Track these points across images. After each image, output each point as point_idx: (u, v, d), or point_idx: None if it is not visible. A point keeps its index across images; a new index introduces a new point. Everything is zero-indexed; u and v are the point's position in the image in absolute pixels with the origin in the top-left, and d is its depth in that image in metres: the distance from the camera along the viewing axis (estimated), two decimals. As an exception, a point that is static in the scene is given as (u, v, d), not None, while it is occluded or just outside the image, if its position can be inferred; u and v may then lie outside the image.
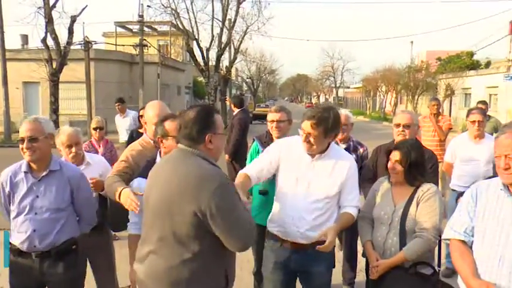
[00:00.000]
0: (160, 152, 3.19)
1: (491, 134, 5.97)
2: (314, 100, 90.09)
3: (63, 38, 18.79)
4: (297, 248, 2.97)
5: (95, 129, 6.26)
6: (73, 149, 3.58)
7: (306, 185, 2.92)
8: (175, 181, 2.30)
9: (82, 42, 19.86)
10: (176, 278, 2.31)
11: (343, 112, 4.85)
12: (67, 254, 3.10)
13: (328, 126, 2.83)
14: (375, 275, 2.99)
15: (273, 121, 4.07)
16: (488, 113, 7.33)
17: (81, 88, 21.15)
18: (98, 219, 3.65)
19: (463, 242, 2.45)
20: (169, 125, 3.06)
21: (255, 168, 3.04)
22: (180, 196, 2.26)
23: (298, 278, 3.15)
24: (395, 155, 3.09)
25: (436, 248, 3.22)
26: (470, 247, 2.43)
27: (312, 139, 2.84)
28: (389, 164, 3.11)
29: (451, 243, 2.51)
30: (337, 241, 4.94)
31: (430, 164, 3.65)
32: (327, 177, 2.92)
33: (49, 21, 18.12)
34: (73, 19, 18.71)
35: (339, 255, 5.13)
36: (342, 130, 4.51)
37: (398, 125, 3.88)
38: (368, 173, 3.99)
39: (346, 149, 4.53)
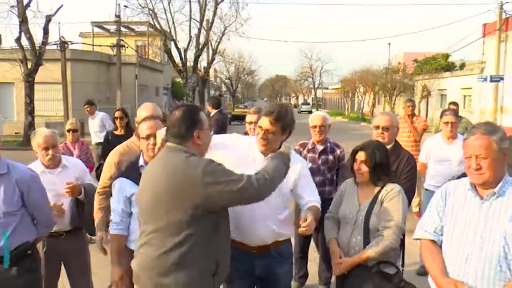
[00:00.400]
0: (143, 153, 3.24)
1: (463, 134, 6.09)
2: (293, 101, 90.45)
3: (38, 38, 18.51)
4: (261, 253, 2.92)
5: (68, 131, 6.17)
6: (50, 152, 3.52)
7: None
8: (164, 177, 2.41)
9: (58, 43, 19.57)
10: (166, 263, 2.39)
11: (321, 113, 4.89)
12: (21, 259, 2.98)
13: (286, 122, 2.83)
14: (337, 272, 3.03)
15: (251, 122, 4.09)
16: (460, 114, 7.48)
17: (58, 89, 20.84)
18: (74, 223, 3.63)
19: (433, 241, 2.50)
20: (141, 126, 3.18)
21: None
22: (172, 192, 2.36)
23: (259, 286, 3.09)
24: (361, 156, 3.10)
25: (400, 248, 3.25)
26: (440, 246, 2.48)
27: (270, 136, 2.80)
28: (355, 165, 3.13)
29: (421, 243, 2.56)
30: (312, 243, 5.00)
31: (409, 166, 3.70)
32: None
33: (23, 20, 17.79)
34: (48, 19, 18.42)
35: (316, 256, 5.17)
36: (320, 131, 4.56)
37: (377, 127, 3.82)
38: (347, 174, 3.83)
39: (324, 151, 4.59)
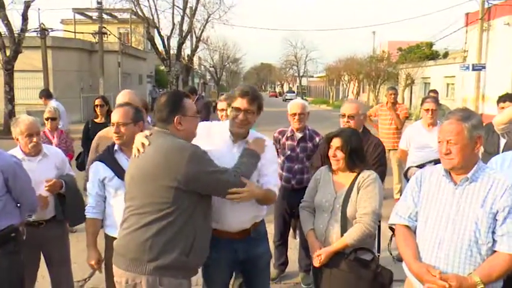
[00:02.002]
0: None
1: (443, 122, 6.16)
2: (278, 89, 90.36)
3: (16, 24, 18.10)
4: (242, 237, 2.95)
5: (47, 119, 6.08)
6: (34, 139, 3.49)
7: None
8: (150, 155, 2.53)
9: (38, 30, 19.19)
10: (142, 239, 2.47)
11: (300, 101, 4.88)
12: (6, 242, 3.04)
13: (260, 101, 2.92)
14: (317, 264, 2.98)
15: (222, 109, 4.10)
16: (443, 102, 7.55)
17: (39, 77, 20.47)
18: (55, 214, 3.60)
19: (408, 227, 2.52)
20: (113, 114, 3.22)
21: None
22: (155, 168, 2.48)
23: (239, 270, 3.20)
24: (336, 142, 3.08)
25: (376, 234, 3.29)
26: (415, 232, 2.50)
27: (249, 116, 2.84)
28: (330, 152, 3.11)
29: (396, 228, 2.58)
30: (291, 230, 5.02)
31: (377, 152, 3.69)
32: None
33: (0, 6, 17.38)
34: (27, 4, 18.00)
35: (295, 243, 5.20)
36: (299, 119, 4.56)
37: (343, 115, 3.82)
38: (317, 161, 3.88)
39: (303, 138, 4.59)
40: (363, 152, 3.18)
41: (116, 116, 3.17)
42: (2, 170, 2.99)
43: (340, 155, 3.07)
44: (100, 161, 3.21)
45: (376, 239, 3.32)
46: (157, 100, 2.69)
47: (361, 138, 3.21)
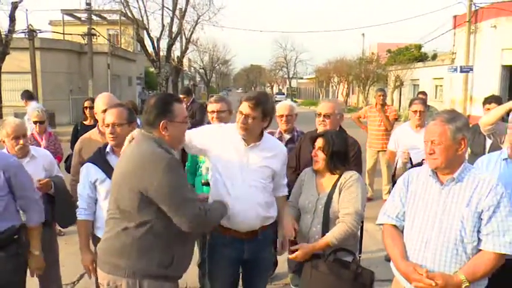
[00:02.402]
0: None
1: (430, 123, 6.22)
2: (268, 91, 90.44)
3: (4, 25, 17.94)
4: (249, 238, 3.00)
5: (35, 123, 6.03)
6: (21, 141, 3.46)
7: (246, 173, 2.94)
8: (126, 160, 2.48)
9: (26, 31, 19.02)
10: (118, 247, 2.46)
11: (287, 103, 4.91)
12: (8, 244, 3.03)
13: (266, 108, 2.89)
14: (292, 256, 2.98)
15: (213, 111, 4.09)
16: (432, 104, 7.62)
17: (27, 79, 20.27)
18: (46, 216, 3.55)
19: (395, 226, 2.56)
20: (106, 115, 3.20)
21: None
22: (128, 174, 2.41)
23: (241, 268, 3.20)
24: (319, 142, 3.09)
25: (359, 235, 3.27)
26: (402, 231, 2.54)
27: (250, 120, 2.85)
28: (313, 151, 3.12)
29: (384, 227, 2.62)
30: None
31: (353, 151, 3.63)
32: (263, 163, 2.99)
33: (-13, 7, 17.20)
34: (15, 5, 17.81)
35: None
36: (287, 120, 4.59)
37: (319, 115, 3.76)
38: (291, 161, 3.86)
39: (291, 139, 4.60)
40: (347, 155, 3.15)
41: (110, 116, 3.16)
42: (3, 169, 2.98)
43: (321, 155, 3.07)
44: (92, 162, 3.21)
45: (358, 241, 3.31)
46: (147, 101, 2.60)
47: (347, 142, 3.19)
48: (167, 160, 2.36)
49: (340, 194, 3.01)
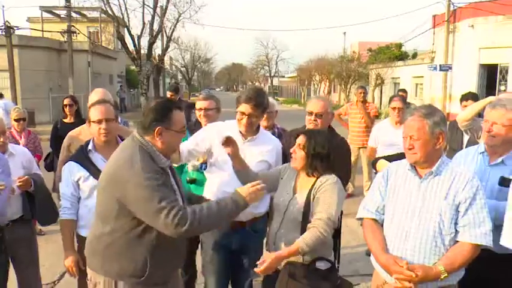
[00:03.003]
0: (93, 138, 3.25)
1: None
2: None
3: (-20, 22, 17.58)
4: (235, 228, 3.13)
5: (17, 120, 5.94)
6: (1, 138, 3.41)
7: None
8: (110, 163, 2.45)
9: (2, 27, 18.66)
10: (94, 248, 2.50)
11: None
12: None
13: (264, 106, 3.15)
14: (260, 270, 2.65)
15: (201, 109, 4.09)
16: (412, 101, 7.72)
17: (5, 77, 19.94)
18: (23, 214, 3.53)
19: (375, 220, 2.59)
20: (92, 111, 3.17)
21: (186, 147, 3.14)
22: (108, 179, 2.39)
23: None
24: (301, 139, 2.84)
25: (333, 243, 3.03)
26: (382, 225, 2.58)
27: (253, 119, 3.09)
28: (292, 148, 2.89)
29: (364, 222, 2.65)
30: None
31: (343, 150, 3.58)
32: (260, 157, 3.16)
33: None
34: (-9, 2, 17.51)
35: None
36: (268, 117, 4.60)
37: (310, 113, 3.58)
38: None
39: None
40: (329, 158, 2.82)
41: (101, 113, 3.14)
42: None
43: (299, 154, 2.82)
44: (74, 161, 3.17)
45: (338, 249, 3.18)
46: (146, 104, 2.54)
47: (331, 143, 2.92)
48: (137, 172, 2.27)
49: (314, 198, 2.75)
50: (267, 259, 2.62)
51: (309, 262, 2.73)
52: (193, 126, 4.24)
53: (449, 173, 2.43)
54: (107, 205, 2.40)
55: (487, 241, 2.33)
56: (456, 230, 2.38)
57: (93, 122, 3.16)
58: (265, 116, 4.54)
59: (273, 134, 4.61)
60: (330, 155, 2.82)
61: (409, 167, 2.51)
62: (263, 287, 3.05)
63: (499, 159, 2.79)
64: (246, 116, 3.06)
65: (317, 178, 2.80)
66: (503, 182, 2.69)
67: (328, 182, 2.75)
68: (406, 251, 2.41)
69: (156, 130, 2.37)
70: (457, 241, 2.38)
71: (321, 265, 2.76)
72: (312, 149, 2.78)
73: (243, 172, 2.97)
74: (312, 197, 2.76)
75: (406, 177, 2.53)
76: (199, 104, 4.13)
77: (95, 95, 3.86)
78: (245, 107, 3.06)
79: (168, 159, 2.53)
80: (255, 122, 3.12)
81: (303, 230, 2.71)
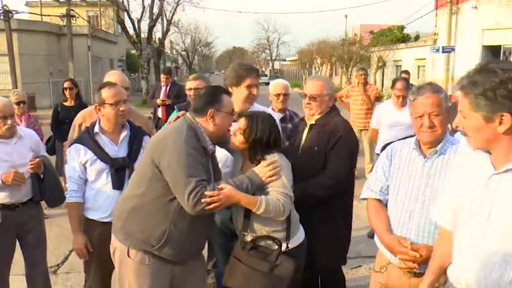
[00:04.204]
0: (99, 120, 3.20)
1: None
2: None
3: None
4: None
5: (18, 103, 5.91)
6: (9, 121, 3.34)
7: None
8: (158, 133, 2.68)
9: (1, 11, 18.51)
10: (120, 209, 2.63)
11: (283, 81, 4.87)
12: None
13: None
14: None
15: (191, 89, 4.08)
16: (411, 82, 7.67)
17: (5, 61, 19.86)
18: (33, 196, 3.51)
19: (379, 200, 2.56)
20: (106, 93, 3.10)
21: None
22: (152, 143, 2.57)
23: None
24: (241, 123, 2.70)
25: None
26: (386, 205, 2.55)
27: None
28: (232, 129, 2.72)
29: (368, 202, 2.63)
30: None
31: (341, 133, 3.12)
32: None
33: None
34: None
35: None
36: (283, 100, 4.54)
37: (305, 96, 3.23)
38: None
39: (283, 118, 4.53)
40: (269, 143, 2.67)
41: (119, 93, 3.14)
42: None
43: (239, 138, 2.69)
44: (80, 143, 3.14)
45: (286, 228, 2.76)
46: (199, 92, 2.81)
47: (275, 127, 2.75)
48: (180, 141, 2.41)
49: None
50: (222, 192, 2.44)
51: (252, 239, 2.65)
52: (184, 107, 4.22)
53: (453, 152, 2.39)
54: (145, 167, 2.52)
55: None
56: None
57: (108, 104, 3.10)
58: (281, 98, 4.53)
59: (285, 116, 4.55)
60: (269, 140, 2.67)
61: (414, 146, 2.47)
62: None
63: None
64: (255, 87, 3.22)
65: (259, 162, 2.65)
66: None
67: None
68: (411, 231, 2.38)
69: (209, 112, 2.53)
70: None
71: (270, 245, 2.65)
72: (252, 136, 2.65)
73: None
74: None
75: (410, 157, 2.48)
76: (190, 84, 4.13)
77: (111, 77, 3.71)
78: (254, 79, 3.20)
79: (214, 145, 2.65)
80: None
81: (247, 213, 2.63)
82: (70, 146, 3.24)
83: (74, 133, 3.63)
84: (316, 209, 3.04)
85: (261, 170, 2.57)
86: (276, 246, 2.62)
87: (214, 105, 2.56)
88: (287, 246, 2.66)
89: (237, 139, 2.69)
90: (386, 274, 2.51)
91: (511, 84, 1.58)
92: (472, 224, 1.76)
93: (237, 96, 3.10)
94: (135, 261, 2.55)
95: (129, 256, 2.56)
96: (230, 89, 3.13)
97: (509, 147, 1.66)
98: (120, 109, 3.11)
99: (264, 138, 2.65)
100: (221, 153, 2.94)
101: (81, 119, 3.67)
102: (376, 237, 2.60)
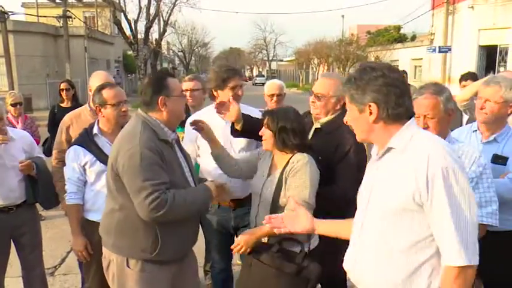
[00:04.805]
0: (98, 121, 3.19)
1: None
2: (247, 73, 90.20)
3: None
4: (236, 206, 3.22)
5: (14, 105, 5.88)
6: None
7: (228, 146, 3.12)
8: (116, 140, 2.51)
9: (-3, 13, 18.46)
10: (106, 225, 2.55)
11: (278, 82, 4.85)
12: None
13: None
14: (238, 252, 2.66)
15: (187, 90, 4.07)
16: (408, 82, 7.68)
17: (1, 63, 19.84)
18: (27, 198, 3.50)
19: None
20: (107, 93, 3.07)
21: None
22: (111, 152, 2.46)
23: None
24: (265, 118, 2.73)
25: None
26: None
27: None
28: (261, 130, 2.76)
29: None
30: None
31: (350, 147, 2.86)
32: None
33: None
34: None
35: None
36: (278, 100, 4.53)
37: (312, 93, 3.07)
38: None
39: None
40: (295, 131, 2.65)
41: (120, 94, 3.12)
42: None
43: (267, 133, 2.70)
44: (79, 145, 3.12)
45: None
46: (141, 83, 2.61)
47: (299, 118, 2.76)
48: (136, 144, 2.32)
49: (286, 181, 2.62)
50: (241, 242, 2.58)
51: (275, 242, 2.59)
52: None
53: (456, 152, 2.38)
54: (109, 177, 2.45)
55: (493, 221, 2.31)
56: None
57: (110, 104, 3.07)
58: (275, 98, 4.53)
59: None
60: (296, 129, 2.66)
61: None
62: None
63: (492, 137, 2.78)
64: (239, 87, 3.15)
65: (291, 156, 2.66)
66: (496, 159, 2.70)
67: (299, 163, 2.60)
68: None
69: (159, 101, 2.43)
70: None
71: (292, 247, 2.61)
72: (276, 125, 2.65)
73: (221, 157, 2.93)
74: (283, 179, 2.63)
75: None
76: (185, 85, 4.14)
77: (97, 78, 3.65)
78: (237, 80, 3.14)
79: (174, 132, 2.58)
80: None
81: (273, 213, 2.52)
82: (68, 147, 3.24)
83: (61, 136, 3.61)
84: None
85: (213, 187, 2.59)
86: (298, 248, 2.59)
87: (162, 92, 2.44)
88: (309, 248, 2.65)
89: (266, 135, 2.69)
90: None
91: (381, 80, 1.72)
92: (359, 211, 1.93)
93: (223, 99, 3.10)
94: (136, 270, 2.48)
95: (128, 267, 2.49)
96: (215, 92, 3.16)
97: (383, 136, 1.80)
98: (122, 110, 3.10)
99: (287, 125, 2.64)
100: (217, 119, 3.11)
101: (69, 122, 3.63)
102: None
